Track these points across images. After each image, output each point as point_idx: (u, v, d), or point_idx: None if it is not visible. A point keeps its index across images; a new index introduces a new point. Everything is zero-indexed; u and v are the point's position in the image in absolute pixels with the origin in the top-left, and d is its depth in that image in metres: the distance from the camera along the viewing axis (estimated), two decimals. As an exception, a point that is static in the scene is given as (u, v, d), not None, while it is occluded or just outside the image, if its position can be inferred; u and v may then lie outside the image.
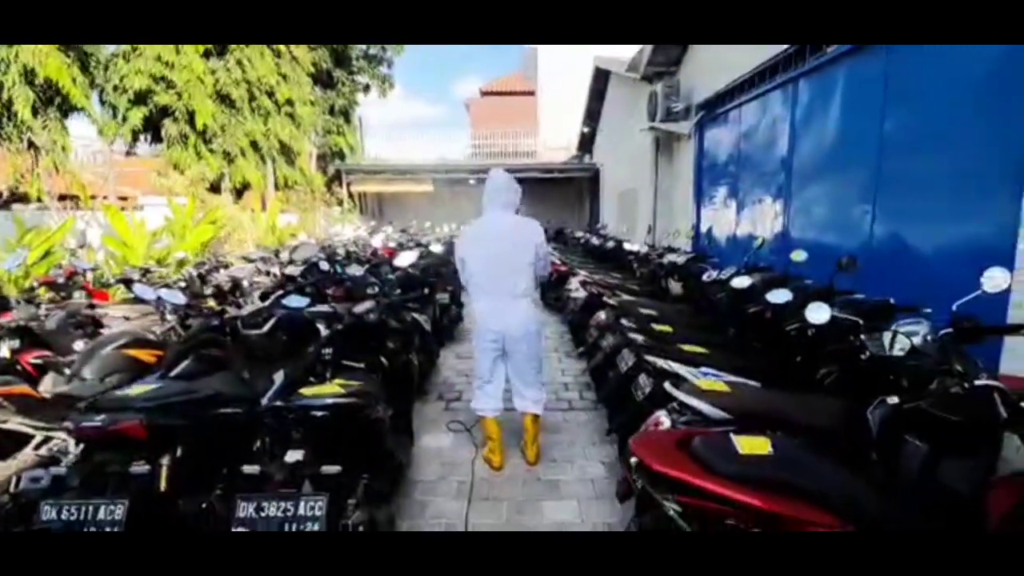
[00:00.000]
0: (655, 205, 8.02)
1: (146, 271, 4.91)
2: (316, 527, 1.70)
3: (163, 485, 1.90)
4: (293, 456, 1.84)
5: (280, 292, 3.00)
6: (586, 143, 15.28)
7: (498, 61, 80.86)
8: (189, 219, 7.40)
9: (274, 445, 1.95)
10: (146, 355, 2.80)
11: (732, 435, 1.58)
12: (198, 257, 6.80)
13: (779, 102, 4.79)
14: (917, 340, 2.12)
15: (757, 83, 5.15)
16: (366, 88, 15.66)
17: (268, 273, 5.27)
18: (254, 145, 10.25)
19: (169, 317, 3.17)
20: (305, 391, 2.10)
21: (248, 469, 1.82)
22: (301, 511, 1.72)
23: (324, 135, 14.67)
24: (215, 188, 10.10)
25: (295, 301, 2.73)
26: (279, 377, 2.66)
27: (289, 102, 11.08)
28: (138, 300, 4.49)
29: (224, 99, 9.48)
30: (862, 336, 2.14)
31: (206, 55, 9.15)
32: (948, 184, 2.94)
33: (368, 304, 3.00)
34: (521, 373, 3.12)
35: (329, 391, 2.10)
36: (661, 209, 7.94)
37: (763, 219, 5.09)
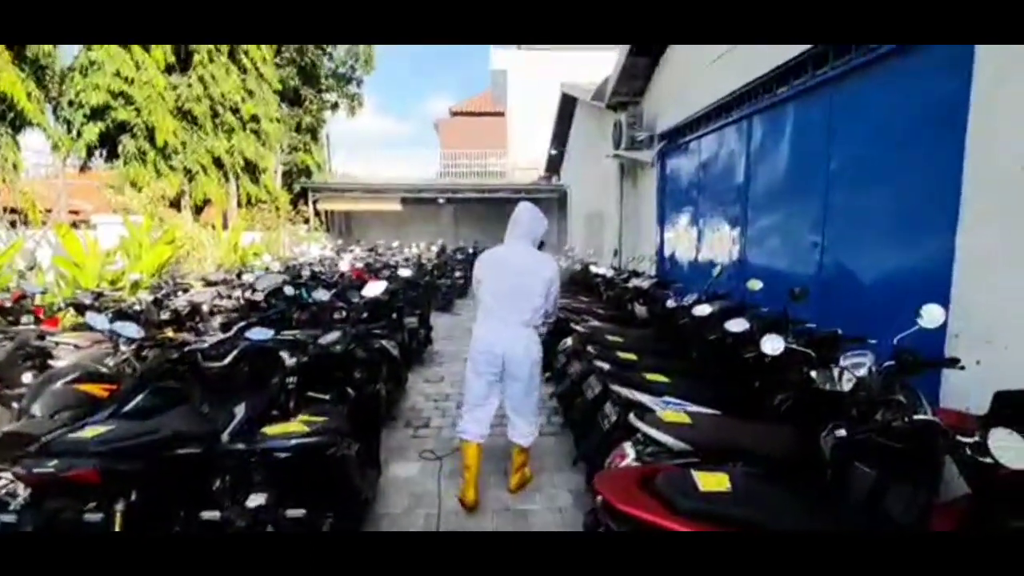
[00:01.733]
0: (621, 229, 8.23)
1: (99, 295, 4.71)
2: (279, 573, 1.66)
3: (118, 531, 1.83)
4: (255, 500, 1.80)
5: (243, 323, 2.93)
6: (554, 165, 15.56)
7: (467, 80, 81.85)
8: (145, 238, 7.14)
9: (236, 489, 1.90)
10: (99, 390, 2.69)
11: (692, 471, 1.64)
12: (154, 279, 6.57)
13: (735, 137, 5.04)
14: (863, 371, 2.24)
15: (714, 118, 5.41)
16: (334, 106, 15.61)
17: (230, 297, 5.12)
18: (217, 162, 10.02)
19: (123, 348, 3.05)
20: (268, 430, 2.06)
21: (207, 515, 1.77)
22: (264, 557, 1.68)
23: (290, 152, 14.49)
24: (174, 204, 9.78)
25: (258, 334, 2.68)
26: (240, 410, 2.60)
27: (255, 118, 10.92)
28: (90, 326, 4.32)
29: (186, 115, 9.26)
30: (813, 372, 2.24)
31: (168, 70, 8.96)
32: (890, 221, 3.15)
33: (335, 335, 2.98)
34: (517, 404, 3.12)
35: (294, 430, 2.06)
36: (626, 233, 8.16)
37: (721, 246, 5.30)
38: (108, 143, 8.84)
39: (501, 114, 22.80)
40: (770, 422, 2.65)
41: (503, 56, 18.41)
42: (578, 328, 4.36)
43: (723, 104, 5.11)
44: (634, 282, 6.00)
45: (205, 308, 4.80)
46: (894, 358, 2.24)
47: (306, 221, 14.41)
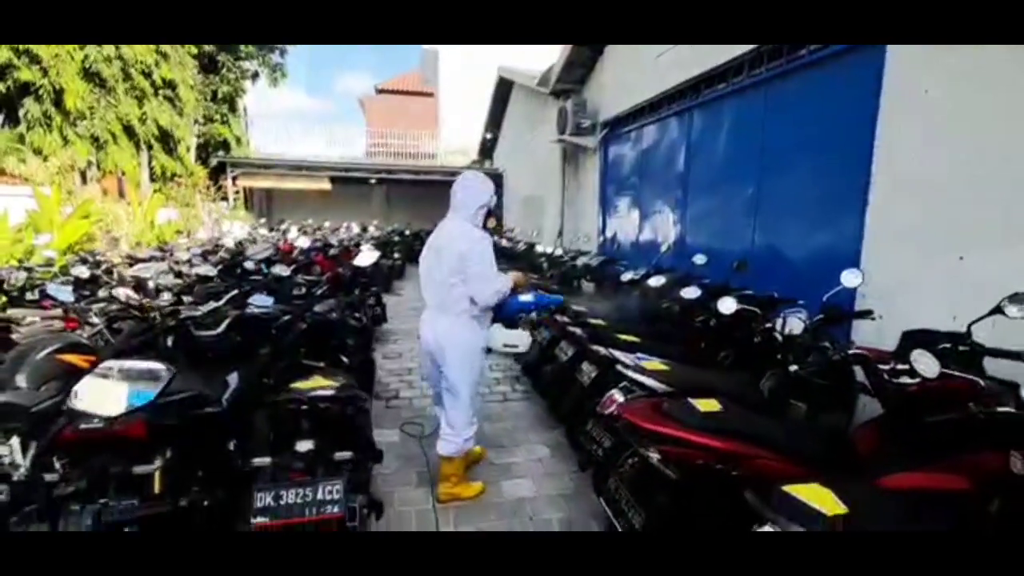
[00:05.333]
0: (563, 211, 8.64)
1: (26, 269, 4.30)
2: (336, 509, 1.82)
3: (157, 487, 1.87)
4: (304, 446, 1.92)
5: (235, 292, 2.91)
6: (487, 150, 15.71)
7: (388, 57, 78.67)
8: (56, 212, 6.45)
9: (282, 437, 2.00)
10: (81, 361, 2.58)
11: (690, 399, 2.00)
12: (69, 256, 5.99)
13: (676, 127, 5.56)
14: (802, 323, 2.74)
15: (656, 109, 5.90)
16: (254, 76, 14.59)
17: (180, 274, 4.87)
18: (128, 131, 9.09)
19: (96, 320, 2.92)
20: (299, 385, 2.15)
21: (258, 461, 1.86)
22: (320, 495, 1.82)
23: (205, 123, 13.39)
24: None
25: (261, 300, 2.70)
26: (233, 379, 2.65)
27: (170, 84, 10.00)
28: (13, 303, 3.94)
29: (93, 77, 8.30)
30: (767, 324, 2.70)
31: (71, 26, 7.95)
32: (810, 203, 3.75)
33: (329, 303, 3.04)
34: (446, 400, 2.79)
35: (323, 384, 2.17)
36: (568, 215, 8.58)
37: (663, 227, 5.85)
38: (4, 106, 7.68)
39: (430, 94, 22.43)
40: (724, 370, 3.13)
41: (435, 35, 18.06)
42: (542, 301, 4.67)
43: (665, 97, 5.60)
44: (582, 260, 6.45)
45: (151, 284, 4.53)
46: (823, 312, 2.78)
47: (224, 198, 13.47)
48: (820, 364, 2.51)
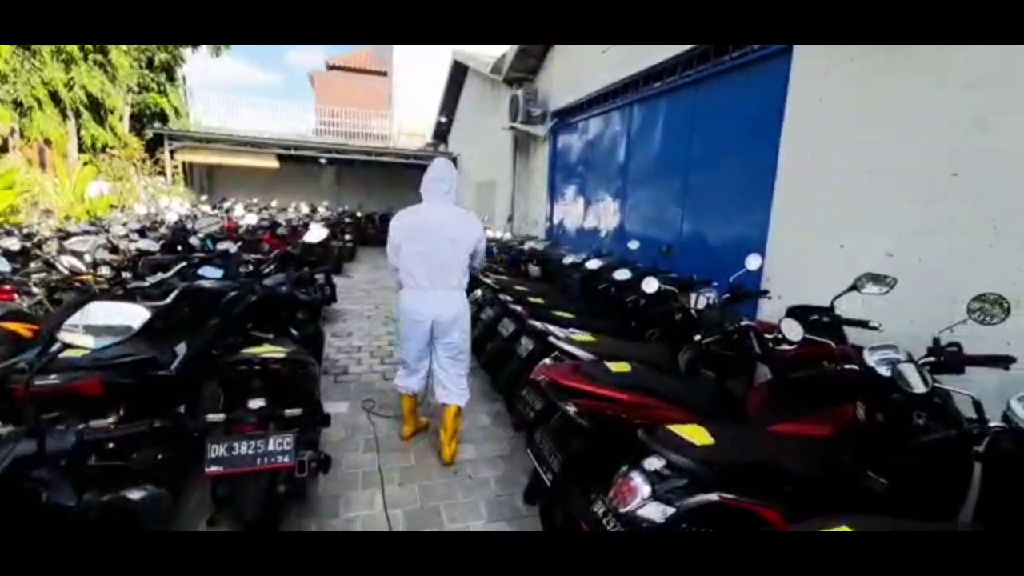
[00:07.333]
0: (513, 197, 8.88)
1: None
2: (287, 459, 2.00)
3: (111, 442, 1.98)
4: (256, 403, 2.08)
5: (183, 264, 2.97)
6: (442, 133, 15.65)
7: (340, 32, 75.06)
8: (-25, 181, 6.07)
9: (232, 396, 2.15)
10: (23, 329, 2.60)
11: (605, 362, 2.30)
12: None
13: (618, 121, 5.88)
14: (710, 300, 3.12)
15: (601, 102, 6.20)
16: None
17: (116, 249, 4.77)
18: (54, 97, 8.52)
19: (36, 290, 2.91)
20: (251, 350, 2.29)
21: (213, 417, 2.00)
22: (271, 447, 1.99)
23: (140, 92, 12.65)
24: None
25: (211, 272, 2.79)
26: (182, 349, 2.76)
27: (101, 49, 9.41)
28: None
29: (14, 37, 7.71)
30: (681, 300, 3.05)
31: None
32: (729, 196, 4.15)
33: (279, 277, 3.14)
34: (446, 367, 3.14)
35: (275, 349, 2.33)
36: (519, 201, 8.83)
37: (605, 215, 6.20)
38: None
39: (384, 73, 21.97)
40: (648, 343, 3.49)
41: (389, 13, 17.66)
42: (487, 281, 4.91)
43: (609, 92, 5.91)
44: (529, 244, 6.72)
45: (88, 258, 4.42)
46: (729, 291, 3.17)
47: (161, 173, 12.82)
48: (721, 336, 2.89)
